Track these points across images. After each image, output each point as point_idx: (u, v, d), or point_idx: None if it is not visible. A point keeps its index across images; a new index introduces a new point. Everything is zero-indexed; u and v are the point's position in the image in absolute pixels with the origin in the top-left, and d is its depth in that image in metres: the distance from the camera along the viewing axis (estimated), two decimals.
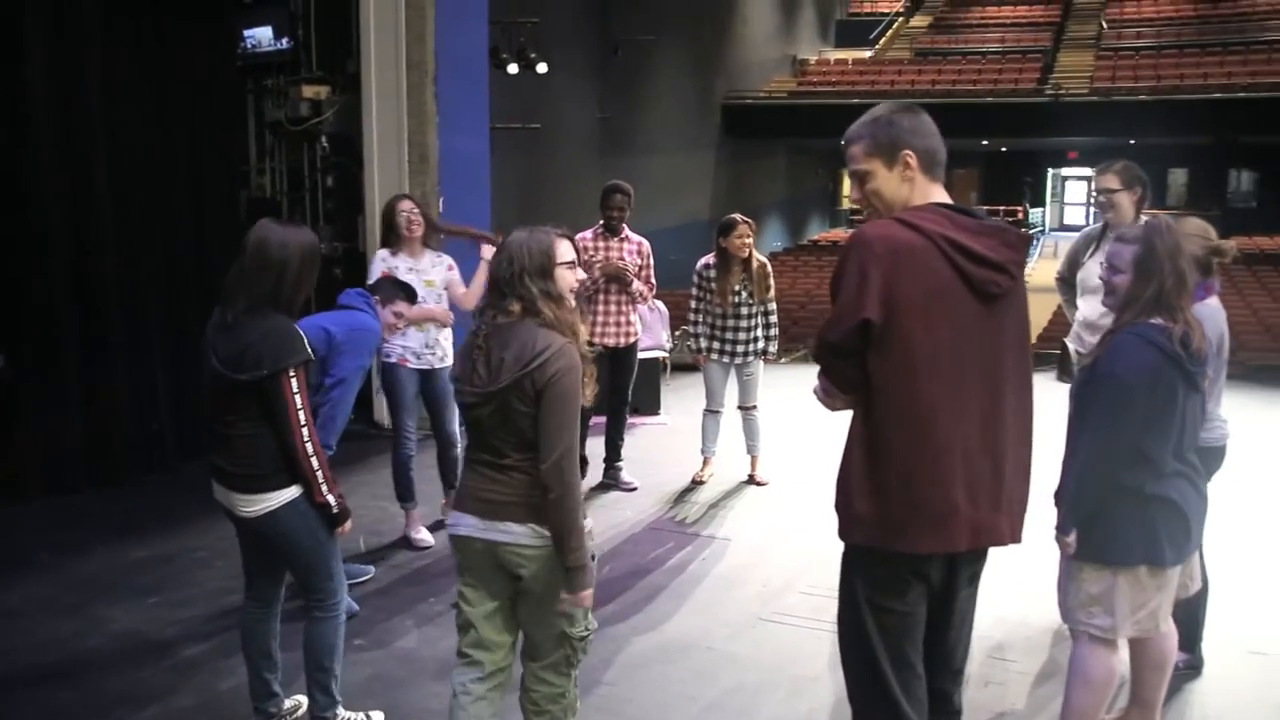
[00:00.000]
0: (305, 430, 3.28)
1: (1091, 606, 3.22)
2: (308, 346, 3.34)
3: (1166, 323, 3.05)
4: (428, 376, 5.51)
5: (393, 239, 5.48)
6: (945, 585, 2.65)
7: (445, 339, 5.56)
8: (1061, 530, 3.20)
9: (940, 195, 2.62)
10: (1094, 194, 4.82)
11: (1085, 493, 3.13)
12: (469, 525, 2.98)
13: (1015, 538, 2.67)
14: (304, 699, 3.80)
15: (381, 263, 5.39)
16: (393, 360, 5.41)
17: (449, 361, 5.55)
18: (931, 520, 2.52)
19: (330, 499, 3.37)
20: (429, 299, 5.38)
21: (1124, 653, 3.38)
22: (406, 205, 5.49)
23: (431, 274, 5.45)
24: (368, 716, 3.73)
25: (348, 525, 3.48)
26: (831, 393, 2.66)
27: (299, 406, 3.26)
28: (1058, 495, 3.23)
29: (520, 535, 2.92)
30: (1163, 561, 3.16)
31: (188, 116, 7.16)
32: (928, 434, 2.50)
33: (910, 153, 2.60)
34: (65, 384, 6.50)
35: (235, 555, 5.33)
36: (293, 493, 3.35)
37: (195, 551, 5.52)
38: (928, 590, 2.63)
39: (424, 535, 5.63)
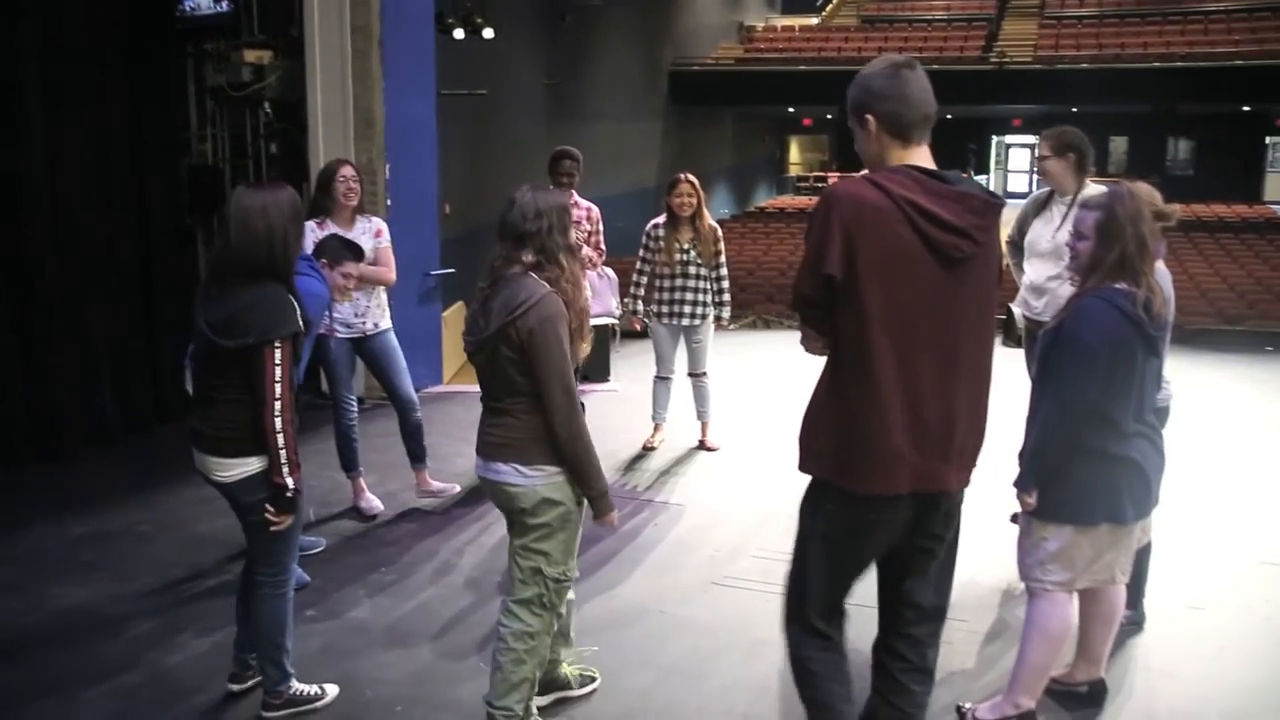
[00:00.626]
0: (278, 404, 3.26)
1: (1050, 564, 3.30)
2: (299, 317, 3.32)
3: (1130, 287, 3.10)
4: (361, 344, 5.42)
5: (327, 205, 5.31)
6: (912, 525, 2.74)
7: (378, 305, 5.44)
8: (1022, 488, 3.27)
9: (918, 157, 2.68)
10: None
11: (1046, 452, 3.20)
12: (479, 466, 3.29)
13: (962, 485, 2.78)
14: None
15: (311, 234, 5.11)
16: (321, 331, 5.30)
17: (384, 326, 5.48)
18: (876, 464, 2.64)
19: (288, 481, 3.33)
20: None
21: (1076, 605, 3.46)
22: (349, 171, 5.34)
23: (363, 241, 5.30)
24: (321, 689, 3.71)
25: (288, 520, 3.42)
26: (809, 336, 2.78)
27: (277, 379, 3.25)
28: (1022, 454, 3.29)
29: (506, 474, 3.16)
30: (1124, 519, 3.25)
31: (125, 83, 6.98)
32: (876, 385, 2.61)
33: (871, 116, 2.67)
34: (4, 357, 6.36)
35: (180, 529, 5.37)
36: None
37: (139, 526, 5.45)
38: (886, 532, 2.74)
39: (373, 503, 5.59)
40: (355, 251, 4.54)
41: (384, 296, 5.49)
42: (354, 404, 5.50)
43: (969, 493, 2.81)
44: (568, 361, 3.10)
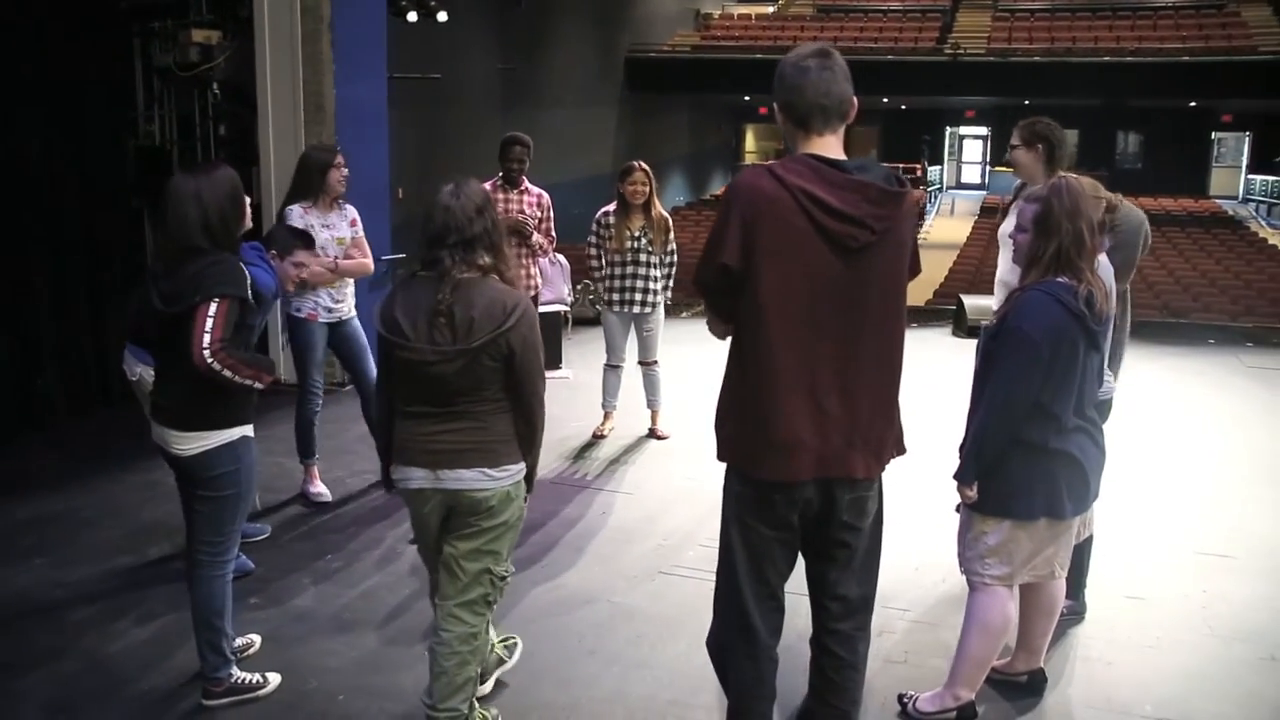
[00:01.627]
0: (207, 352, 3.23)
1: (989, 557, 3.33)
2: (248, 286, 3.37)
3: (1071, 281, 3.12)
4: (336, 329, 5.43)
5: (321, 189, 5.24)
6: (824, 513, 2.79)
7: (351, 293, 5.47)
8: (962, 480, 3.29)
9: (822, 146, 2.70)
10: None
11: (987, 445, 3.22)
12: (419, 478, 3.13)
13: (870, 472, 2.80)
14: (256, 638, 3.89)
15: (300, 220, 5.17)
16: (302, 315, 5.30)
17: (354, 314, 5.49)
18: (776, 450, 2.70)
19: (256, 384, 3.39)
20: (339, 256, 5.29)
21: (1017, 598, 3.49)
22: (342, 159, 5.31)
23: (342, 230, 5.33)
24: (263, 677, 3.69)
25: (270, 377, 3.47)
26: (713, 321, 2.87)
27: (206, 329, 3.23)
28: (962, 447, 3.32)
29: (471, 480, 3.09)
30: (1063, 514, 3.28)
31: (69, 61, 6.85)
32: (773, 371, 2.67)
33: (776, 105, 2.75)
34: None
35: (123, 515, 5.30)
36: (229, 435, 3.42)
37: (82, 511, 5.37)
38: (799, 519, 2.79)
39: (322, 490, 5.55)
40: (305, 240, 4.51)
41: (352, 284, 5.47)
42: (321, 389, 5.47)
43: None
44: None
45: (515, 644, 3.81)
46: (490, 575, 3.20)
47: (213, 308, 3.26)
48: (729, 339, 2.83)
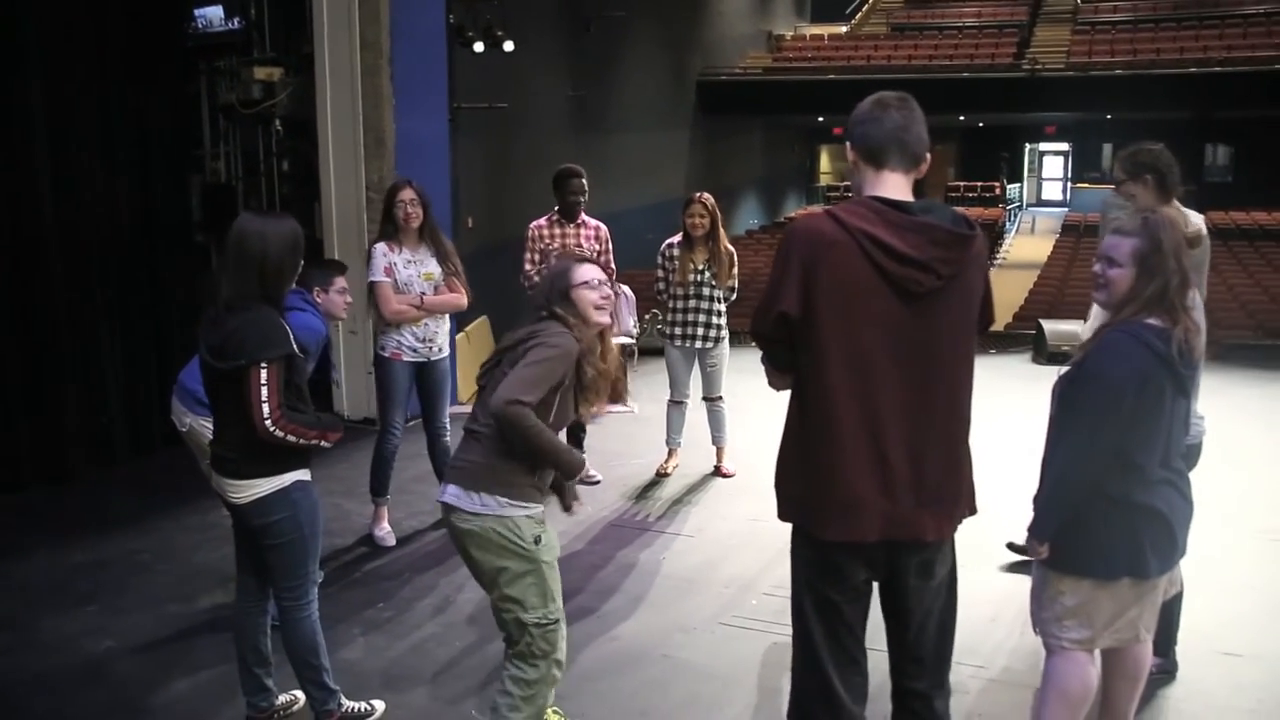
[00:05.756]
0: (269, 422, 3.23)
1: (1067, 620, 3.07)
2: (291, 341, 3.33)
3: (1165, 324, 2.88)
4: (423, 369, 5.36)
5: (390, 230, 5.26)
6: (891, 574, 2.67)
7: (443, 332, 5.40)
8: (1035, 535, 3.04)
9: (887, 188, 2.59)
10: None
11: (1063, 498, 2.98)
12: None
13: (940, 534, 2.66)
14: (300, 695, 3.79)
15: (383, 258, 5.17)
16: (386, 354, 5.26)
17: (445, 353, 5.43)
18: (840, 509, 2.57)
19: (323, 444, 3.41)
20: (428, 292, 5.23)
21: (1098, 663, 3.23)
22: (408, 194, 5.23)
23: (430, 266, 5.26)
24: (369, 705, 3.70)
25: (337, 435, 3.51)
26: (770, 372, 2.74)
27: (264, 399, 3.23)
28: (1036, 499, 3.07)
29: (450, 496, 3.09)
30: (1147, 574, 3.01)
31: (134, 99, 6.91)
32: (837, 426, 2.54)
33: (850, 143, 2.64)
34: (10, 377, 6.28)
35: (178, 559, 5.26)
36: (281, 481, 3.38)
37: (138, 554, 5.34)
38: (868, 579, 2.68)
39: (386, 533, 5.45)
40: (338, 267, 4.48)
41: (448, 323, 5.40)
42: (401, 429, 5.40)
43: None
44: (545, 383, 3.01)
45: None
46: (524, 626, 3.07)
47: (263, 375, 3.23)
48: (787, 391, 2.70)
